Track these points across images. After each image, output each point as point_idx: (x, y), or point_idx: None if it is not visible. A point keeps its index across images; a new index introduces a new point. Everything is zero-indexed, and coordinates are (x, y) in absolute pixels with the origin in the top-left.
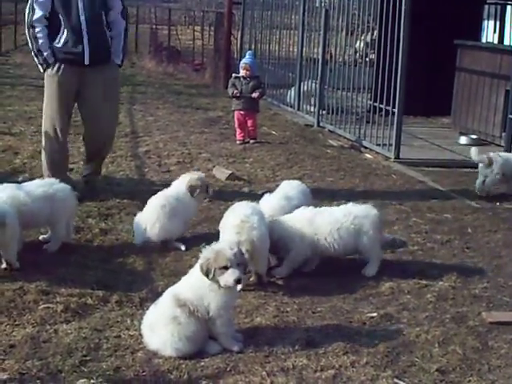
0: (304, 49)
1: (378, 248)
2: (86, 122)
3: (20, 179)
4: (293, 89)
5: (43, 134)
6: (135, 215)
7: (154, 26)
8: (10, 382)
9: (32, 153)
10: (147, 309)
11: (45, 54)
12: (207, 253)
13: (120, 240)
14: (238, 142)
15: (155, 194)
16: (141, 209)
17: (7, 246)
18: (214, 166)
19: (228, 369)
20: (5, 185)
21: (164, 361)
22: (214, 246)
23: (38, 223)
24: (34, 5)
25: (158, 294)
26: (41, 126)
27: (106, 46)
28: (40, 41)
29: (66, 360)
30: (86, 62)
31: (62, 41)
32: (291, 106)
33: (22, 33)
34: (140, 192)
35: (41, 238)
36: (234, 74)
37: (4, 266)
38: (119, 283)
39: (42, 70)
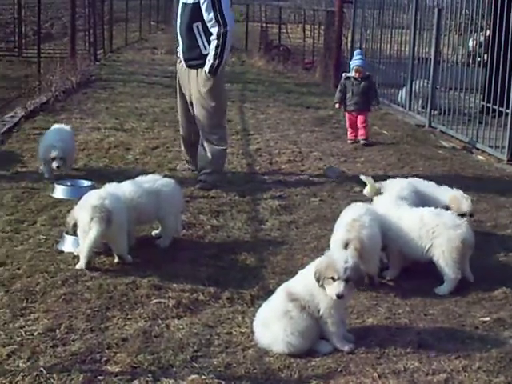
0: (416, 48)
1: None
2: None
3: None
4: (404, 88)
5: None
6: (246, 213)
7: (264, 24)
8: (122, 375)
9: (144, 149)
10: (258, 306)
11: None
12: (323, 259)
13: (231, 237)
14: (348, 142)
15: (266, 191)
16: (251, 207)
17: (116, 241)
18: (324, 166)
19: (339, 369)
20: (112, 183)
21: (275, 359)
22: (332, 254)
23: (145, 219)
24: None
25: (269, 292)
26: (152, 122)
27: (197, 52)
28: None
29: (177, 355)
30: (184, 64)
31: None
32: (402, 106)
33: (133, 30)
34: (251, 190)
35: (153, 233)
36: (344, 74)
37: (116, 260)
38: (230, 280)
39: None
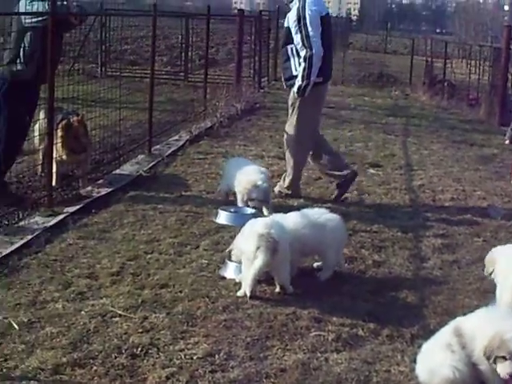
0: None
1: None
2: None
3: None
4: None
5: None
6: (408, 249)
7: (428, 59)
8: None
9: (307, 179)
10: (418, 346)
11: None
12: (493, 337)
13: (393, 273)
14: None
15: (428, 229)
16: (414, 243)
17: (279, 271)
18: (488, 205)
19: None
20: (277, 214)
21: None
22: (504, 332)
23: (308, 250)
24: None
25: (430, 332)
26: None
27: (289, 73)
28: None
29: None
30: (284, 85)
31: None
32: None
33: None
34: (414, 226)
35: (314, 265)
36: None
37: (278, 289)
38: (391, 317)
39: None
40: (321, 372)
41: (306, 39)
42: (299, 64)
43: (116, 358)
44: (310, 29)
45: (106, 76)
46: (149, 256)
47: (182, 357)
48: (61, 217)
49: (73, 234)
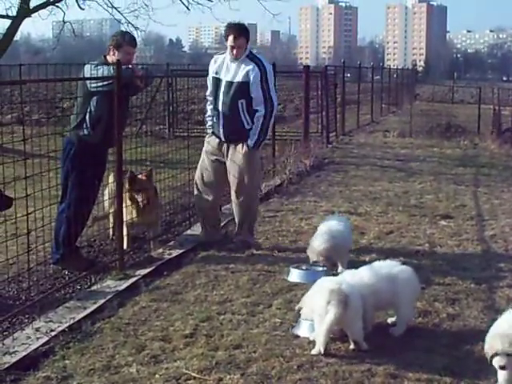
0: None
1: None
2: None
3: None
4: None
5: (196, 194)
6: (482, 301)
7: (496, 107)
8: None
9: (378, 233)
10: None
11: (207, 124)
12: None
13: (468, 326)
14: None
15: (502, 280)
16: (487, 295)
17: (352, 326)
18: None
19: None
20: (349, 270)
21: None
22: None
23: (382, 305)
24: (208, 82)
25: None
26: (386, 206)
27: (239, 128)
28: (207, 112)
29: None
30: (222, 138)
31: (213, 116)
32: None
33: (364, 112)
34: (487, 278)
35: (388, 320)
36: None
37: (352, 346)
38: (467, 371)
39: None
40: None
41: (268, 96)
42: (251, 118)
43: None
44: (270, 86)
45: (174, 137)
46: (222, 317)
47: None
48: (133, 280)
49: (145, 297)
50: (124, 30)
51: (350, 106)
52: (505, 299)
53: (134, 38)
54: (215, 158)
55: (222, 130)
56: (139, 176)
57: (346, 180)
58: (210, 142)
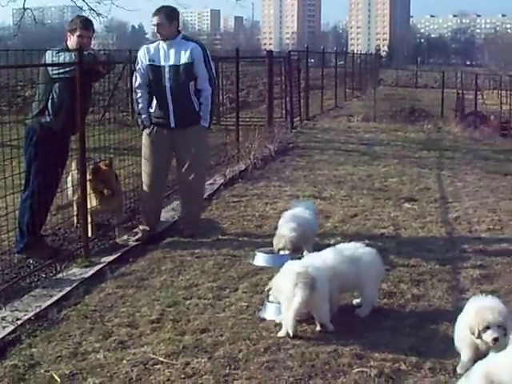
0: None
1: None
2: (177, 173)
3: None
4: None
5: (144, 186)
6: (447, 282)
7: (459, 91)
8: None
9: (343, 217)
10: (461, 377)
11: (143, 116)
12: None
13: (433, 306)
14: None
15: (466, 260)
16: (452, 276)
17: (319, 309)
18: None
19: None
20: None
21: None
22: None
23: (346, 287)
24: (136, 73)
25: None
26: (351, 189)
27: (191, 111)
28: (140, 105)
29: None
30: (172, 125)
31: (154, 107)
32: None
33: (328, 97)
34: (451, 259)
35: (354, 302)
36: None
37: (318, 328)
38: (432, 350)
39: (141, 130)
40: None
41: (212, 75)
42: (199, 100)
43: None
44: (212, 65)
45: (137, 123)
46: (188, 301)
47: None
48: (98, 267)
49: (111, 284)
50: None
51: (314, 91)
52: (469, 280)
53: (90, 22)
54: (162, 149)
55: (172, 117)
56: (100, 165)
57: (310, 164)
58: (154, 135)
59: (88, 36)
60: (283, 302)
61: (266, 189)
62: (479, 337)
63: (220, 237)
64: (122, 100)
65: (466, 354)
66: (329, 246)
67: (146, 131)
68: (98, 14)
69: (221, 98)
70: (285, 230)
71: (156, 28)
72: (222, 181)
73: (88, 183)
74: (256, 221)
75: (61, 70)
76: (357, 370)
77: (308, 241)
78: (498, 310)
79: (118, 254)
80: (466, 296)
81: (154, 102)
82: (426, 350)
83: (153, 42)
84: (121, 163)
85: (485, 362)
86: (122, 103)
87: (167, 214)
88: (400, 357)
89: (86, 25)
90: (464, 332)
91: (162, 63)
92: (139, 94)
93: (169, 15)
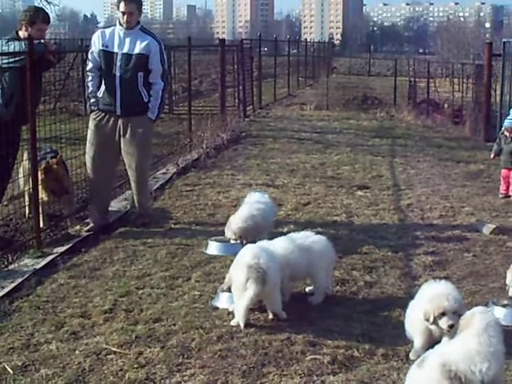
0: None
1: None
2: (124, 162)
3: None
4: None
5: (88, 172)
6: (399, 269)
7: (411, 79)
8: None
9: (295, 205)
10: (414, 363)
11: (91, 100)
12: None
13: (385, 293)
14: (500, 196)
15: (418, 247)
16: (404, 262)
17: (271, 299)
18: (477, 220)
19: None
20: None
21: None
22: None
23: (298, 275)
24: (89, 56)
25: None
26: (303, 177)
27: (138, 101)
28: (89, 88)
29: None
30: (118, 112)
31: (102, 92)
32: None
33: (281, 86)
34: (404, 246)
35: (306, 289)
36: (504, 128)
37: (271, 316)
38: (385, 336)
39: (88, 113)
40: None
41: (166, 70)
42: (148, 91)
43: None
44: (166, 64)
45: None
46: (141, 291)
47: None
48: (50, 258)
49: (63, 274)
50: (37, 5)
51: (267, 79)
52: (421, 266)
53: (48, 15)
54: (108, 135)
55: (118, 105)
56: (51, 164)
57: (263, 153)
58: (100, 119)
59: (45, 29)
60: (235, 292)
61: (218, 177)
62: (434, 323)
63: (173, 226)
64: (74, 90)
65: (418, 341)
66: (282, 234)
67: (93, 115)
68: (49, 3)
69: (173, 86)
70: (234, 220)
71: (126, 16)
72: (175, 170)
73: (40, 183)
74: (209, 209)
75: (11, 60)
76: (310, 357)
77: (262, 230)
78: (454, 297)
79: (70, 245)
80: (418, 283)
81: (103, 87)
82: (379, 336)
83: (108, 27)
84: (72, 153)
85: (440, 350)
86: (74, 93)
87: (119, 204)
88: (353, 343)
89: (46, 18)
90: (417, 318)
91: (116, 50)
92: (89, 78)
93: (139, 5)
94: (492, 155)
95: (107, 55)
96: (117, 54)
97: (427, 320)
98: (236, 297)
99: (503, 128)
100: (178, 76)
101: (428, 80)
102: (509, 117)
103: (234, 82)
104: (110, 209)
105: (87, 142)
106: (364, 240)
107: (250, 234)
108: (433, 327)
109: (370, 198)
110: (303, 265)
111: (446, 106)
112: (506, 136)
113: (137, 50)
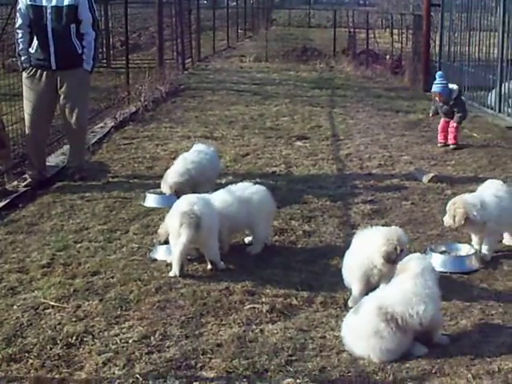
0: (504, 50)
1: None
2: (61, 116)
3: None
4: (493, 91)
5: (26, 128)
6: (338, 218)
7: (351, 30)
8: (218, 381)
9: (234, 156)
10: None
11: (22, 58)
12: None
13: (323, 242)
14: (439, 145)
15: (357, 196)
16: (343, 211)
17: (207, 247)
18: (415, 169)
19: (433, 371)
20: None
21: (369, 362)
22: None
23: (237, 226)
24: (17, 13)
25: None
26: (242, 129)
27: (73, 53)
28: (20, 46)
29: (272, 359)
30: (53, 66)
31: (34, 47)
32: (492, 108)
33: (220, 38)
34: (342, 195)
35: (245, 240)
36: (432, 94)
37: (209, 266)
38: (323, 284)
39: (20, 71)
40: (257, 343)
41: (96, 19)
42: (81, 43)
43: (51, 349)
44: (96, 13)
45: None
46: (79, 245)
47: (118, 341)
48: None
49: (1, 230)
50: None
51: (206, 32)
52: (360, 215)
53: None
54: (44, 90)
55: (53, 59)
56: None
57: (201, 105)
58: (34, 76)
59: None
60: (171, 241)
61: (156, 130)
62: (395, 261)
63: (110, 179)
64: (11, 45)
65: (356, 288)
66: (221, 185)
67: (25, 73)
68: None
69: (111, 40)
70: (170, 174)
71: None
72: (113, 124)
73: None
74: (147, 162)
75: None
76: (248, 306)
77: (201, 184)
78: (404, 234)
79: (8, 201)
80: (356, 231)
81: (35, 42)
82: (317, 284)
83: None
84: (9, 109)
85: (376, 294)
86: (11, 48)
87: (57, 159)
88: (291, 292)
89: None
90: (355, 265)
91: (44, 3)
92: (20, 35)
93: None
94: (431, 114)
95: (36, 9)
96: (46, 7)
97: (387, 260)
98: (172, 245)
99: (432, 92)
100: (115, 30)
101: (367, 31)
102: (435, 81)
103: (172, 35)
104: (47, 164)
105: (24, 99)
106: (303, 190)
107: (186, 188)
108: (375, 271)
109: (308, 149)
110: (243, 216)
111: (387, 57)
112: (436, 100)
113: (66, 2)
